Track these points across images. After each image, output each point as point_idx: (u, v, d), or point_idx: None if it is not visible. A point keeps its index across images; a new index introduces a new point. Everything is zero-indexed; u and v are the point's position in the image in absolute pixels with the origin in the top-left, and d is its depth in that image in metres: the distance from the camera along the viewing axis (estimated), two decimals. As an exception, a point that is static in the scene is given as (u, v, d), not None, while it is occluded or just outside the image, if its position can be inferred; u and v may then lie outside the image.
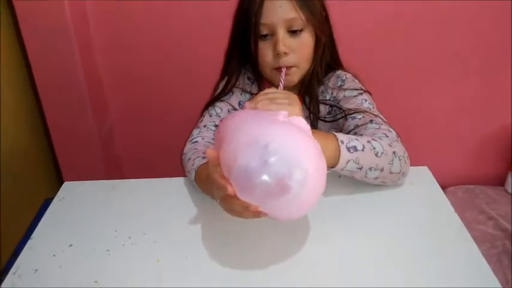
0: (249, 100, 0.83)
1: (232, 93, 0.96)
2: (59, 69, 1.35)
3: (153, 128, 1.62)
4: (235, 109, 0.96)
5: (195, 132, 0.92)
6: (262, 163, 0.53)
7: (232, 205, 0.59)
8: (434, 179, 0.85)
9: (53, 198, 0.87)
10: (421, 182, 0.84)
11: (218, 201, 0.63)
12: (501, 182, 1.68)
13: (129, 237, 0.74)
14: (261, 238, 0.72)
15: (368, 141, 0.75)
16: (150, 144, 1.65)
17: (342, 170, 0.73)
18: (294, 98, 0.71)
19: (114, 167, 1.63)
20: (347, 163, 0.72)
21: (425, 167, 0.88)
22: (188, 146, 0.90)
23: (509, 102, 1.56)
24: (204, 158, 0.82)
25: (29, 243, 0.75)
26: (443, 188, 0.85)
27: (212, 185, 0.61)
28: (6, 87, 1.32)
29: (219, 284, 0.64)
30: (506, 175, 1.65)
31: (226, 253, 0.70)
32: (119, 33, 1.45)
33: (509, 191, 1.63)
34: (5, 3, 1.30)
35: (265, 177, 0.53)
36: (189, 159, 0.85)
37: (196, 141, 0.90)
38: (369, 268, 0.65)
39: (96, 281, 0.66)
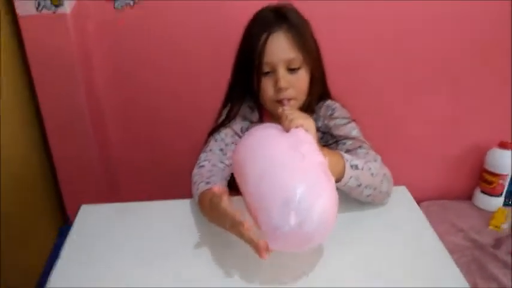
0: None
1: (235, 120, 1.05)
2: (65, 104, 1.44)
3: (153, 154, 1.69)
4: (237, 134, 1.04)
5: (202, 156, 1.00)
6: (294, 225, 0.64)
7: (242, 233, 0.69)
8: (412, 198, 0.97)
9: (64, 226, 0.93)
10: (401, 200, 0.96)
11: (227, 227, 0.73)
12: (470, 197, 1.81)
13: (151, 256, 0.81)
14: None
15: (365, 162, 0.87)
16: (149, 171, 1.72)
17: (344, 185, 0.83)
18: (307, 116, 0.83)
19: (115, 193, 1.70)
20: (349, 179, 0.83)
21: (404, 187, 1.00)
22: (195, 170, 0.98)
23: (478, 124, 1.69)
24: (207, 183, 0.91)
25: (58, 263, 0.80)
26: (418, 202, 0.97)
27: (219, 214, 0.72)
28: (10, 112, 1.38)
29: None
30: (474, 191, 1.79)
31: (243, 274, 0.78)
32: (120, 65, 1.52)
33: (476, 205, 1.77)
34: (12, 35, 1.37)
35: (293, 237, 0.66)
36: (195, 183, 0.94)
37: (203, 166, 0.98)
38: (351, 277, 0.75)
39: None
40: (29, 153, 1.50)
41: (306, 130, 0.78)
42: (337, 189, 0.73)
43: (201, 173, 0.96)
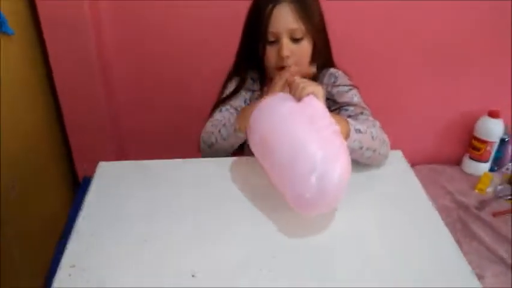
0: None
1: (239, 92, 1.13)
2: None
3: (159, 117, 1.77)
4: (240, 108, 1.11)
5: (209, 123, 1.08)
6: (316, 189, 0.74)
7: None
8: (407, 162, 1.04)
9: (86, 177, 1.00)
10: (396, 163, 1.03)
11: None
12: (459, 163, 1.92)
13: (165, 207, 0.89)
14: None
15: (367, 127, 0.95)
16: (155, 134, 1.80)
17: (348, 147, 0.90)
18: (316, 83, 0.90)
19: (120, 148, 1.77)
20: (353, 142, 0.91)
21: (399, 151, 1.06)
22: (208, 123, 1.07)
23: (468, 93, 1.78)
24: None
25: (82, 213, 0.87)
26: (411, 166, 1.03)
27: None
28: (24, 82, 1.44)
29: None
30: (463, 157, 1.90)
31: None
32: (129, 30, 1.57)
33: (465, 170, 1.88)
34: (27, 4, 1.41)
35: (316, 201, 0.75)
36: (217, 125, 1.04)
37: (217, 119, 1.08)
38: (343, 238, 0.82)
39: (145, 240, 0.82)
40: (41, 118, 1.56)
41: (317, 97, 0.85)
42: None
43: (216, 120, 1.07)
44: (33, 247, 1.43)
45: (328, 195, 0.76)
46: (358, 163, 0.96)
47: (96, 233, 0.84)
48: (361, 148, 0.93)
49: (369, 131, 0.94)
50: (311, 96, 0.84)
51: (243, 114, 1.00)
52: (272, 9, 0.98)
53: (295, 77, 0.92)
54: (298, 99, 0.86)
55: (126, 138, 1.81)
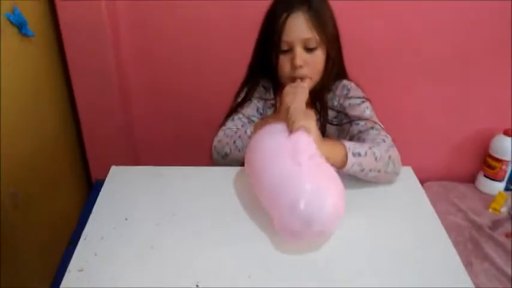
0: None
1: (251, 101, 1.14)
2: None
3: (173, 126, 1.79)
4: (252, 117, 1.13)
5: (221, 132, 1.09)
6: (304, 225, 0.75)
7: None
8: (416, 179, 1.03)
9: (97, 180, 1.02)
10: (406, 180, 1.01)
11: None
12: (473, 180, 1.89)
13: (173, 214, 0.90)
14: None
15: (369, 147, 0.93)
16: (169, 142, 1.81)
17: (348, 171, 0.92)
18: (310, 114, 0.91)
19: (134, 154, 1.80)
20: (352, 166, 0.91)
21: (409, 168, 1.06)
22: (220, 132, 1.08)
23: (484, 109, 1.75)
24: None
25: (92, 216, 0.89)
26: (421, 182, 1.03)
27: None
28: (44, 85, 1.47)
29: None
30: (477, 174, 1.87)
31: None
32: (146, 39, 1.59)
33: (479, 188, 1.85)
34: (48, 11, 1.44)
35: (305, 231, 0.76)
36: (232, 135, 1.04)
37: (229, 128, 1.09)
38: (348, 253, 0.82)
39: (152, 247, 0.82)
40: (59, 122, 1.59)
41: (308, 131, 0.85)
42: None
43: (229, 129, 1.08)
44: (45, 249, 1.45)
45: (313, 226, 0.75)
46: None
47: (104, 237, 0.85)
48: (362, 170, 0.92)
49: (371, 152, 0.93)
50: (300, 132, 0.84)
51: (257, 128, 1.00)
52: (287, 18, 0.99)
53: (291, 106, 0.91)
54: (290, 131, 0.86)
55: (141, 145, 1.83)
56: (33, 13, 1.35)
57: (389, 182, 0.99)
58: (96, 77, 1.53)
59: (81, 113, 1.60)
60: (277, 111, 1.02)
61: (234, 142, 1.04)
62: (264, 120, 1.07)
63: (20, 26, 1.27)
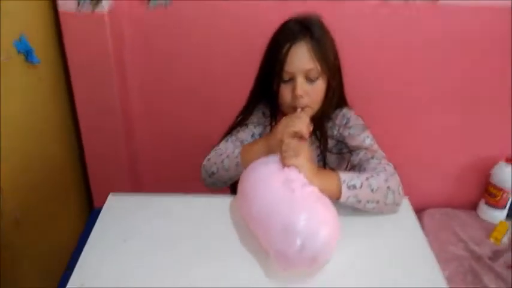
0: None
1: (247, 126, 1.14)
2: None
3: (175, 151, 1.81)
4: (245, 141, 1.13)
5: (212, 151, 1.09)
6: (297, 250, 0.76)
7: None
8: (412, 210, 1.02)
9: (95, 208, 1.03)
10: (402, 211, 1.00)
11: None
12: (474, 207, 1.88)
13: (172, 243, 0.90)
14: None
15: (366, 179, 0.93)
16: (170, 166, 1.84)
17: (344, 203, 0.92)
18: (301, 149, 0.91)
19: (136, 176, 1.82)
20: (347, 199, 0.91)
21: (406, 199, 1.04)
22: (212, 152, 1.09)
23: (486, 137, 1.76)
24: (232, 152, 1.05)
25: (88, 244, 0.90)
26: (423, 209, 1.03)
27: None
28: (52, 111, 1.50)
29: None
30: (479, 202, 1.86)
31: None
32: (150, 63, 1.62)
33: (480, 216, 1.84)
34: (52, 30, 1.48)
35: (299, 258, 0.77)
36: (221, 154, 1.05)
37: (220, 149, 1.09)
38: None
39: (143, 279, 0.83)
40: (63, 146, 1.62)
41: (300, 168, 0.87)
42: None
43: (220, 149, 1.08)
44: (44, 273, 1.46)
45: (306, 251, 0.76)
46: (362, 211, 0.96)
47: (98, 268, 0.86)
48: (359, 202, 0.93)
49: (367, 184, 0.93)
50: (291, 168, 0.87)
51: (245, 149, 1.02)
52: (289, 49, 1.00)
53: (285, 141, 0.92)
54: (282, 164, 0.88)
55: (143, 172, 1.86)
56: (40, 40, 1.39)
57: (391, 212, 0.99)
58: (100, 102, 1.56)
59: (84, 140, 1.63)
60: (267, 136, 1.01)
61: (222, 161, 1.04)
62: (252, 142, 1.07)
63: (27, 54, 1.30)
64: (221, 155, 1.05)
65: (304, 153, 0.90)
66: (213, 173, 1.06)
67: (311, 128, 0.98)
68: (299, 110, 1.04)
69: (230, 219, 0.97)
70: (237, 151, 1.03)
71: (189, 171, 1.71)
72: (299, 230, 0.76)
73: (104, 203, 1.04)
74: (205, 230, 0.95)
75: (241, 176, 0.94)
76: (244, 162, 0.99)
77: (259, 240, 0.85)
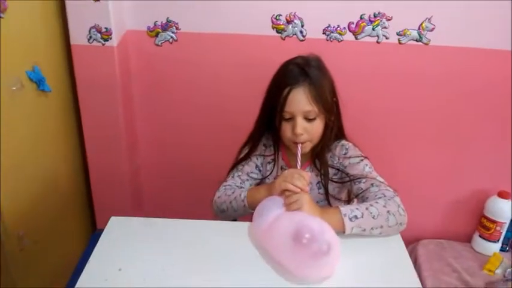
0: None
1: (250, 159, 1.23)
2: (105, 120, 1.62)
3: (174, 168, 1.87)
4: (252, 173, 1.24)
5: (222, 188, 1.19)
6: (307, 243, 0.86)
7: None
8: (403, 244, 1.03)
9: (98, 231, 1.06)
10: (393, 247, 1.02)
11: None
12: (468, 240, 1.90)
13: (163, 268, 0.94)
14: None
15: (366, 208, 1.00)
16: (171, 181, 1.89)
17: (350, 234, 0.98)
18: (304, 199, 0.99)
19: (139, 199, 1.87)
20: (352, 229, 0.98)
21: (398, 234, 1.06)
22: (221, 188, 1.18)
23: (480, 172, 1.80)
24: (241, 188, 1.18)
25: (87, 267, 0.93)
26: (418, 240, 1.06)
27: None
28: (57, 132, 1.57)
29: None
30: (473, 234, 1.88)
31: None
32: (155, 94, 1.71)
33: (474, 248, 1.86)
34: (64, 61, 1.57)
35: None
36: (230, 195, 1.14)
37: (229, 185, 1.19)
38: None
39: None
40: (70, 169, 1.68)
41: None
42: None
43: (229, 185, 1.19)
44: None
45: (316, 243, 0.86)
46: (356, 245, 1.00)
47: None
48: (364, 231, 0.99)
49: (367, 213, 0.99)
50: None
51: (251, 194, 1.11)
52: (289, 92, 1.08)
53: (286, 194, 1.02)
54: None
55: (147, 195, 1.92)
56: (52, 70, 1.47)
57: (397, 232, 1.04)
58: (107, 130, 1.63)
59: (90, 163, 1.70)
60: (269, 186, 1.10)
61: (230, 202, 1.14)
62: (257, 188, 1.16)
63: (39, 83, 1.38)
64: (229, 195, 1.15)
65: (306, 202, 0.98)
66: (223, 211, 1.16)
67: (310, 180, 1.06)
68: (299, 145, 1.12)
69: (234, 243, 1.01)
70: (243, 194, 1.12)
71: (191, 197, 1.78)
72: (308, 229, 0.87)
73: (103, 226, 1.08)
74: (203, 254, 0.98)
75: (256, 210, 1.03)
76: (251, 206, 1.10)
77: (272, 255, 0.93)
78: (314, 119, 1.11)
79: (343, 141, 1.22)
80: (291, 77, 1.10)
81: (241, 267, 0.95)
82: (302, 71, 1.10)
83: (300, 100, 1.08)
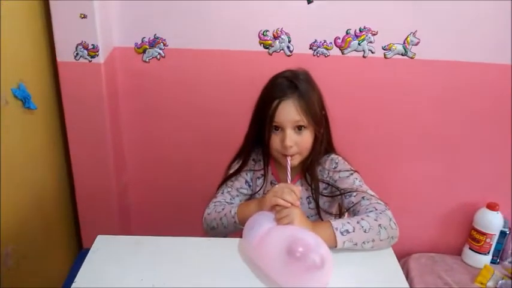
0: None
1: (240, 175, 1.22)
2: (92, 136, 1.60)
3: (162, 186, 1.85)
4: (242, 188, 1.23)
5: (212, 204, 1.18)
6: (300, 256, 0.86)
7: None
8: (395, 257, 1.02)
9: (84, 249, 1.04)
10: (386, 262, 1.01)
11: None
12: (459, 252, 1.90)
13: (152, 284, 0.92)
14: None
15: (357, 222, 0.99)
16: (158, 199, 1.87)
17: (342, 248, 0.97)
18: (294, 213, 0.98)
19: (126, 217, 1.84)
20: (344, 244, 0.97)
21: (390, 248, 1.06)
22: (211, 204, 1.17)
23: (468, 185, 1.81)
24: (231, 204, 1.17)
25: (74, 286, 0.91)
26: (409, 254, 1.06)
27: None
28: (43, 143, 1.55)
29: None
30: (464, 247, 1.88)
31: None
32: (143, 110, 1.70)
33: (465, 261, 1.86)
34: (50, 77, 1.56)
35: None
36: (220, 212, 1.13)
37: (218, 201, 1.18)
38: None
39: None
40: (55, 186, 1.66)
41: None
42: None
43: (218, 202, 1.17)
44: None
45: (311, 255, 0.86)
46: (348, 259, 0.99)
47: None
48: (356, 245, 0.98)
49: (359, 227, 0.98)
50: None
51: (241, 210, 1.10)
52: (278, 104, 1.09)
53: (277, 209, 1.01)
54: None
55: (132, 214, 1.90)
56: (37, 87, 1.46)
57: (388, 246, 1.04)
58: (93, 146, 1.61)
59: (76, 181, 1.67)
60: (259, 201, 1.10)
61: (221, 219, 1.13)
62: (247, 203, 1.15)
63: (24, 100, 1.37)
64: (220, 212, 1.14)
65: (297, 217, 0.98)
66: (213, 228, 1.15)
67: (300, 194, 1.04)
68: (289, 158, 1.12)
69: (224, 259, 1.00)
70: (233, 210, 1.11)
71: (180, 215, 1.76)
72: (301, 243, 0.87)
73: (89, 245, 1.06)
74: (191, 271, 0.96)
75: (246, 224, 1.02)
76: (241, 221, 1.08)
77: (263, 270, 0.92)
78: (304, 129, 1.11)
79: (333, 155, 1.22)
80: (280, 90, 1.10)
81: (232, 282, 0.93)
82: (291, 83, 1.10)
83: (289, 111, 1.09)
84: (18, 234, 1.38)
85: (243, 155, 1.23)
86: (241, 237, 1.03)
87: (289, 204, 1.00)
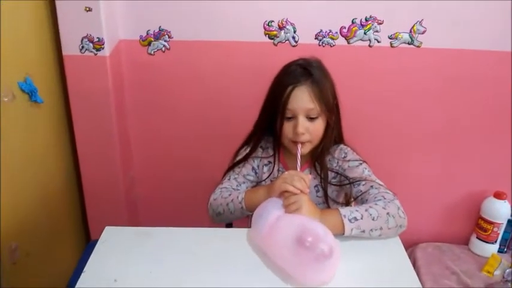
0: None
1: (247, 161, 1.23)
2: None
3: (169, 179, 1.86)
4: (249, 175, 1.23)
5: (218, 190, 1.18)
6: (309, 246, 0.86)
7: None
8: (402, 246, 1.03)
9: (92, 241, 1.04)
10: (394, 252, 1.01)
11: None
12: (466, 242, 1.90)
13: (159, 277, 0.92)
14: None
15: (366, 210, 0.99)
16: (165, 192, 1.88)
17: (349, 235, 0.98)
18: (302, 201, 0.98)
19: (134, 211, 1.85)
20: (351, 231, 0.97)
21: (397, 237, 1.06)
22: (218, 190, 1.17)
23: (476, 173, 1.81)
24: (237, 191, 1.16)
25: (81, 279, 0.91)
26: (416, 243, 1.06)
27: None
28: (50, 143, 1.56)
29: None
30: (471, 236, 1.88)
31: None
32: (149, 103, 1.70)
33: (472, 250, 1.86)
34: (56, 71, 1.56)
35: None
36: (226, 197, 1.12)
37: (225, 187, 1.18)
38: None
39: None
40: (62, 179, 1.67)
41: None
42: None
43: (225, 188, 1.17)
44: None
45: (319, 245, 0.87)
46: (355, 248, 0.99)
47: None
48: (363, 232, 0.99)
49: (367, 214, 0.99)
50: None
51: (248, 196, 1.10)
52: (292, 91, 1.09)
53: (285, 195, 1.01)
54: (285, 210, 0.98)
55: (140, 207, 1.90)
56: (44, 81, 1.46)
57: (396, 234, 1.04)
58: (100, 139, 1.61)
59: (83, 173, 1.68)
60: (268, 187, 1.09)
61: (227, 204, 1.12)
62: (255, 189, 1.16)
63: (31, 94, 1.37)
64: (226, 197, 1.13)
65: (305, 204, 0.98)
66: (219, 213, 1.14)
67: (310, 182, 1.04)
68: (299, 145, 1.12)
69: (232, 250, 1.00)
70: (240, 196, 1.10)
71: (186, 207, 1.76)
72: (311, 233, 0.88)
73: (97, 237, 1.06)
74: (200, 261, 0.97)
75: (255, 212, 1.02)
76: (248, 208, 1.08)
77: (272, 259, 0.92)
78: (316, 118, 1.11)
79: (342, 145, 1.23)
80: (293, 77, 1.11)
81: (240, 273, 0.94)
82: (305, 70, 1.11)
83: (302, 98, 1.09)
84: (26, 229, 1.39)
85: (252, 141, 1.23)
86: (245, 225, 1.04)
87: (298, 191, 1.00)
